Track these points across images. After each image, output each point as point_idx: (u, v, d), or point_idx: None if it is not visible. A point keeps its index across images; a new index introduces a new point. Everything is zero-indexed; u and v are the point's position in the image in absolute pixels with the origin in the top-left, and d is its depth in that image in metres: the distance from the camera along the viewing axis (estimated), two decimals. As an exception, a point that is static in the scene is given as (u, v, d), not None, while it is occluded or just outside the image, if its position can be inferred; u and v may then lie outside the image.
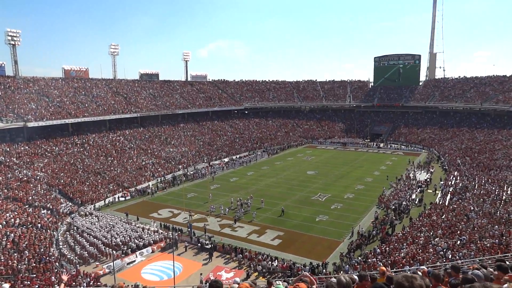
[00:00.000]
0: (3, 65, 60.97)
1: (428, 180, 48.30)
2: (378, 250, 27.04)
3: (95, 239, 31.27)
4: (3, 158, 46.28)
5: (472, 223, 28.85)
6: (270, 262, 26.80)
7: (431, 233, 28.01)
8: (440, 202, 38.14)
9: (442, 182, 46.16)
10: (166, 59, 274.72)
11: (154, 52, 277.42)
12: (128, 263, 28.51)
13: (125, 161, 55.29)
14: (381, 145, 78.88)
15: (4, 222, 32.60)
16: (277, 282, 5.85)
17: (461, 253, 22.43)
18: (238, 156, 67.41)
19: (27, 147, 50.63)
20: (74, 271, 25.80)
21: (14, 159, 46.94)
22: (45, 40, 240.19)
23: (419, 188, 44.64)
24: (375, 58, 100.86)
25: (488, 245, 23.13)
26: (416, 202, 40.05)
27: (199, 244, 30.76)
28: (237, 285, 4.39)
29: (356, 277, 4.92)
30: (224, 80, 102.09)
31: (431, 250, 24.36)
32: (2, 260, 25.84)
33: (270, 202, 40.76)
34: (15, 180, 42.33)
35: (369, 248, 29.17)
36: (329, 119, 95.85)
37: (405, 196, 41.10)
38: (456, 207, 34.15)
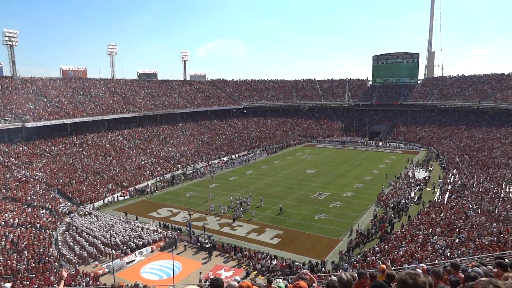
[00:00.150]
0: (0, 65, 60.76)
1: (427, 178, 48.41)
2: (377, 248, 27.09)
3: (94, 239, 31.25)
4: (1, 158, 46.22)
5: (471, 221, 28.94)
6: (269, 261, 26.84)
7: (430, 231, 28.08)
8: (439, 200, 38.24)
9: (440, 180, 46.26)
10: (165, 59, 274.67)
11: (152, 51, 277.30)
12: (128, 263, 28.51)
13: (124, 160, 55.25)
14: (380, 143, 78.98)
15: (3, 222, 32.55)
16: (277, 280, 5.85)
17: (459, 251, 22.50)
18: (237, 155, 67.41)
19: (25, 147, 50.55)
20: (73, 271, 25.80)
21: (13, 159, 46.86)
22: (43, 40, 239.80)
23: (418, 186, 44.74)
24: (373, 56, 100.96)
25: (486, 243, 23.21)
26: (415, 200, 40.13)
27: (198, 243, 30.78)
28: (236, 283, 4.39)
29: (356, 274, 4.94)
30: (222, 79, 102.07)
31: (430, 248, 24.43)
32: (1, 261, 25.82)
33: (269, 201, 40.79)
34: (13, 180, 42.26)
35: (368, 246, 29.24)
36: (328, 118, 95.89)
37: (404, 194, 41.19)
38: (454, 205, 34.23)
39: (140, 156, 58.31)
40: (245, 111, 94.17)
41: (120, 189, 46.70)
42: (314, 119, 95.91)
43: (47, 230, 33.20)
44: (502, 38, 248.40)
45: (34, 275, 24.41)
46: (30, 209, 37.11)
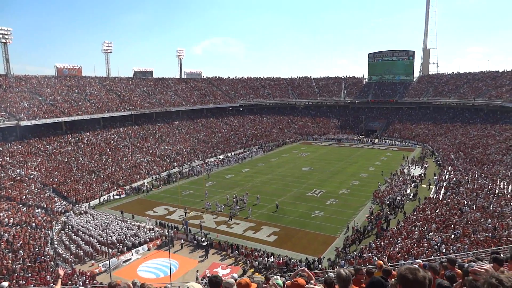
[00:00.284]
0: (-6, 63, 60.27)
1: (422, 175, 48.66)
2: (373, 245, 27.23)
3: (90, 238, 31.15)
4: (-4, 157, 45.85)
5: (466, 217, 29.14)
6: (266, 258, 26.88)
7: (426, 227, 28.25)
8: (434, 197, 38.46)
9: (436, 177, 46.52)
10: (160, 57, 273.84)
11: (148, 49, 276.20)
12: (124, 261, 28.45)
13: (120, 159, 55.05)
14: (376, 141, 79.26)
15: (-2, 222, 32.35)
16: (275, 277, 5.86)
17: (455, 247, 22.67)
18: (233, 153, 67.38)
19: (20, 146, 50.19)
20: (69, 270, 25.70)
21: (7, 158, 46.51)
22: (37, 38, 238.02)
23: (414, 183, 44.97)
24: (369, 54, 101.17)
25: (481, 238, 23.39)
26: (411, 197, 40.35)
27: (195, 242, 30.76)
28: (232, 280, 4.38)
29: (354, 271, 4.96)
30: (218, 77, 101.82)
31: (426, 244, 24.58)
32: (-3, 260, 25.67)
33: (266, 199, 40.84)
34: (8, 180, 41.96)
35: (364, 243, 29.36)
36: (324, 116, 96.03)
37: (399, 191, 41.38)
38: (450, 202, 34.45)
39: (136, 155, 58.12)
40: (241, 109, 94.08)
41: (116, 187, 46.54)
42: (310, 116, 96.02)
43: (43, 229, 33.05)
44: (497, 35, 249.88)
45: (30, 275, 24.31)
46: (25, 208, 36.90)
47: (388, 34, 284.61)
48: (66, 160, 50.52)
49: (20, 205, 37.31)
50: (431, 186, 44.01)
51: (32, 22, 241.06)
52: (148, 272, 26.83)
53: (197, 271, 25.65)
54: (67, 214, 37.84)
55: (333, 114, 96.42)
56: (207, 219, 35.94)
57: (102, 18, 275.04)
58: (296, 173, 53.01)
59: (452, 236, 25.24)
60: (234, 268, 26.58)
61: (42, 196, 40.38)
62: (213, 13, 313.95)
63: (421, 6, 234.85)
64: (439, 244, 24.08)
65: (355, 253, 26.88)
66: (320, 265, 25.33)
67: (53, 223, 35.43)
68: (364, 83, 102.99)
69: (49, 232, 33.41)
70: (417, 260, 13.33)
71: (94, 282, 24.24)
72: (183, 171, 54.97)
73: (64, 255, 29.00)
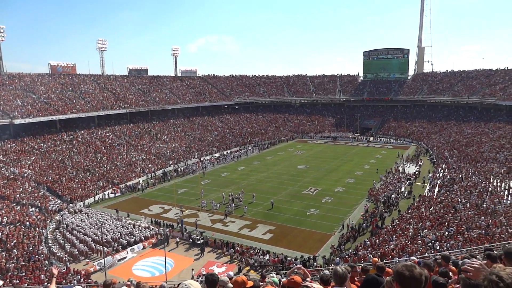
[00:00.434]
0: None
1: (417, 173, 48.94)
2: (368, 242, 27.38)
3: (85, 236, 31.02)
4: (-11, 155, 45.45)
5: (460, 214, 29.39)
6: (261, 256, 26.94)
7: (420, 225, 28.45)
8: (429, 195, 38.70)
9: (430, 175, 46.82)
10: (155, 54, 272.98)
11: (142, 47, 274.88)
12: (119, 260, 28.37)
13: (115, 157, 54.81)
14: (371, 139, 79.53)
15: (-8, 221, 32.11)
16: (271, 274, 5.87)
17: (449, 244, 22.87)
18: (229, 151, 67.32)
19: (13, 145, 49.80)
20: (64, 269, 25.59)
21: (1, 156, 46.13)
22: (30, 36, 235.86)
23: (408, 181, 45.22)
24: (364, 52, 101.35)
25: (475, 235, 23.62)
26: (405, 195, 40.58)
27: (190, 240, 30.74)
28: (227, 278, 4.39)
29: (350, 268, 4.99)
30: (214, 75, 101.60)
31: (420, 241, 24.78)
32: (-10, 259, 25.49)
33: (261, 197, 40.87)
34: (1, 178, 41.63)
35: (359, 240, 29.52)
36: (320, 114, 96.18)
37: (394, 189, 41.61)
38: (444, 199, 34.70)
39: (131, 153, 57.89)
40: (236, 107, 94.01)
41: (111, 186, 46.34)
42: (306, 114, 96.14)
43: (37, 228, 32.84)
44: (491, 34, 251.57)
45: (24, 274, 24.17)
46: (19, 207, 36.63)
47: (383, 32, 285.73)
48: (60, 159, 50.21)
49: (14, 204, 37.04)
50: (425, 184, 44.29)
51: (26, 19, 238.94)
52: (144, 271, 26.79)
53: (193, 269, 25.66)
54: (61, 212, 37.62)
55: (328, 112, 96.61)
56: (202, 217, 35.91)
57: (97, 15, 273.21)
58: (291, 171, 53.09)
59: (446, 233, 25.46)
60: (230, 266, 26.61)
61: (36, 194, 40.10)
62: (208, 11, 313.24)
63: (416, 5, 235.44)
64: (433, 241, 24.28)
65: (350, 250, 27.01)
66: (315, 263, 25.44)
67: (47, 221, 35.22)
68: (359, 81, 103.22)
69: (43, 231, 33.22)
70: (411, 258, 13.43)
71: (89, 281, 24.15)
72: (179, 169, 54.85)
73: (59, 254, 28.85)
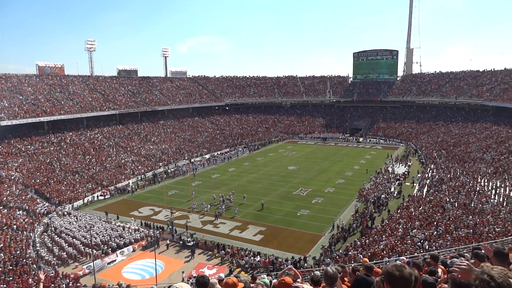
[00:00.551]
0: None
1: (406, 173, 49.42)
2: (358, 242, 27.54)
3: (74, 239, 30.61)
4: (-26, 158, 44.60)
5: (448, 214, 29.77)
6: (252, 258, 26.90)
7: (409, 224, 28.72)
8: (418, 194, 39.11)
9: (419, 175, 47.32)
10: (145, 55, 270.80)
11: (132, 48, 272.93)
12: (109, 263, 28.07)
13: (104, 159, 54.24)
14: (361, 139, 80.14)
15: (-23, 224, 31.49)
16: (261, 276, 5.87)
17: (437, 243, 23.13)
18: (219, 152, 67.15)
19: (0, 147, 48.94)
20: (52, 273, 25.21)
21: (-13, 159, 45.31)
22: (17, 36, 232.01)
23: (398, 181, 45.64)
24: (354, 53, 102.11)
25: (463, 235, 23.94)
26: (395, 195, 40.95)
27: (181, 242, 30.56)
28: (215, 280, 4.37)
29: (340, 268, 5.01)
30: (204, 76, 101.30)
31: (409, 241, 25.01)
32: (-24, 264, 24.99)
33: (252, 198, 40.84)
34: (-12, 181, 40.89)
35: (349, 241, 29.67)
36: (310, 115, 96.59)
37: (384, 189, 41.96)
38: (432, 199, 35.09)
39: (121, 154, 57.36)
40: (227, 108, 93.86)
41: (100, 188, 45.85)
42: (296, 115, 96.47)
43: (24, 232, 32.32)
44: (478, 35, 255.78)
45: (11, 278, 23.74)
46: (6, 210, 35.98)
47: (372, 33, 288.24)
48: (48, 161, 49.52)
49: (1, 207, 36.38)
50: (414, 184, 44.76)
51: (12, 19, 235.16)
52: (133, 274, 26.53)
53: (183, 271, 25.50)
54: (49, 215, 37.08)
55: (318, 113, 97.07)
56: (193, 219, 35.74)
57: (85, 15, 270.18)
58: (282, 172, 53.18)
59: (435, 233, 25.76)
60: (220, 268, 26.53)
61: (23, 197, 39.47)
62: (199, 11, 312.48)
63: (405, 6, 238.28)
64: (422, 241, 24.53)
65: (340, 251, 27.14)
66: (305, 264, 25.50)
67: (35, 225, 34.70)
68: (349, 82, 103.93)
69: (31, 234, 32.70)
70: (401, 257, 13.54)
71: (78, 284, 23.83)
72: (169, 171, 54.53)
73: (47, 257, 28.42)
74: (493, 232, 22.95)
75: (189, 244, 29.64)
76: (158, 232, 31.85)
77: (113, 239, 30.73)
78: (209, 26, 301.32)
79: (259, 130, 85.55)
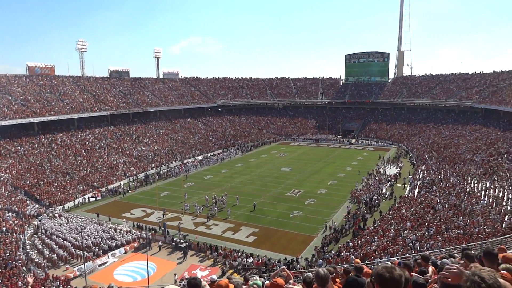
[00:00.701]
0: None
1: (397, 174, 49.84)
2: (350, 243, 27.68)
3: (64, 241, 30.30)
4: (-37, 159, 43.93)
5: (439, 215, 30.07)
6: (245, 259, 26.88)
7: (401, 225, 28.94)
8: (409, 196, 39.44)
9: (410, 176, 47.75)
10: (137, 56, 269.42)
11: (124, 48, 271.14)
12: (100, 265, 27.81)
13: (95, 160, 53.78)
14: (353, 141, 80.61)
15: (-34, 227, 31.00)
16: (254, 277, 5.87)
17: (428, 244, 23.34)
18: (212, 153, 67.00)
19: (-11, 148, 48.29)
20: (42, 275, 24.92)
21: (-25, 160, 44.67)
22: (7, 36, 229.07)
23: (389, 182, 45.98)
24: (346, 55, 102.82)
25: (453, 235, 24.19)
26: (387, 196, 41.25)
27: (173, 243, 30.42)
28: (205, 282, 4.37)
29: (332, 269, 5.04)
30: (196, 77, 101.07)
31: (401, 242, 25.20)
32: (-36, 267, 24.60)
33: (245, 199, 40.81)
34: (-24, 182, 40.30)
35: (342, 242, 29.80)
36: (302, 116, 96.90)
37: (376, 190, 42.24)
38: (423, 200, 35.43)
39: (112, 156, 56.93)
40: (219, 109, 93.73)
41: (91, 189, 45.46)
42: (289, 117, 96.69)
43: (14, 234, 31.90)
44: (468, 38, 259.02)
45: (0, 281, 23.42)
46: (-5, 212, 35.50)
47: (364, 36, 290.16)
48: (38, 162, 48.97)
49: (-10, 209, 35.88)
50: (406, 185, 45.14)
51: (1, 18, 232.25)
52: (125, 276, 26.33)
53: (175, 273, 25.38)
54: (40, 217, 36.66)
55: (311, 115, 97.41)
56: (185, 220, 35.61)
57: (77, 15, 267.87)
58: (274, 173, 53.25)
59: (426, 233, 25.99)
60: (213, 269, 26.46)
61: (13, 199, 38.97)
62: (191, 12, 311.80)
63: (396, 9, 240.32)
64: (413, 241, 24.74)
65: (333, 252, 27.24)
66: (298, 265, 25.54)
67: (25, 227, 34.27)
68: (341, 84, 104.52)
69: (21, 236, 32.29)
70: (392, 258, 13.64)
71: (69, 287, 23.61)
72: (161, 172, 54.26)
73: (37, 259, 28.07)
74: (483, 233, 23.25)
75: (182, 245, 29.52)
76: (150, 233, 31.65)
77: (104, 241, 30.47)
78: (201, 27, 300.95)
79: (252, 132, 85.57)
